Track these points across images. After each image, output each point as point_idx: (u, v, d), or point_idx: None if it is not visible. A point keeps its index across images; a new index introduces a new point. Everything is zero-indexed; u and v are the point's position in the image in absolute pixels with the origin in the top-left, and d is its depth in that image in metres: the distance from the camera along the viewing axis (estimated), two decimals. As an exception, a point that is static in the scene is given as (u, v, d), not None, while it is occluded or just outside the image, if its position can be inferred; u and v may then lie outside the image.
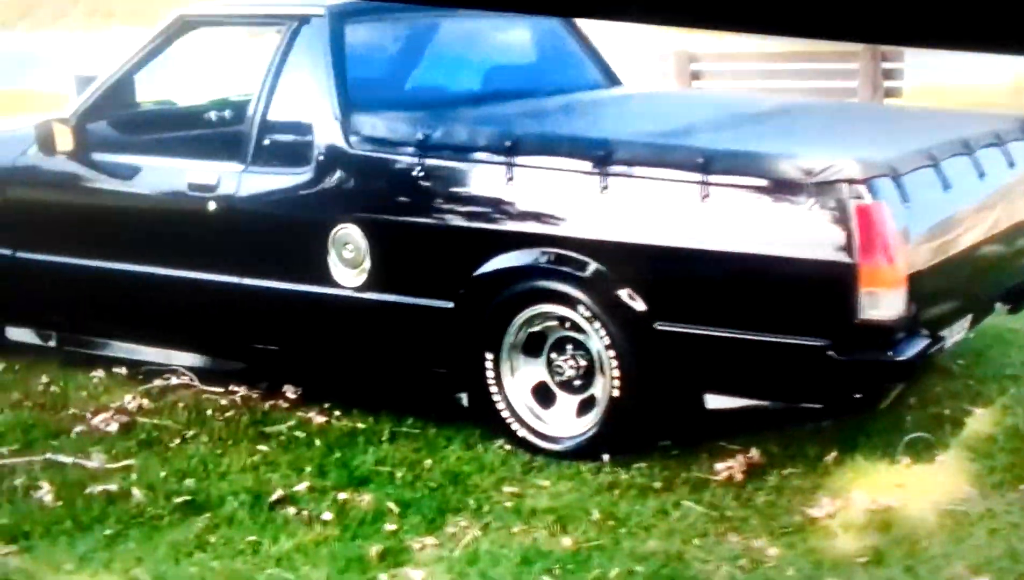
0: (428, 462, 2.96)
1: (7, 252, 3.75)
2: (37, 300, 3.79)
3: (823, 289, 2.57)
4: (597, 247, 2.79)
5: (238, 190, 3.30)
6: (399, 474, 2.88)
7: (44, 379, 3.65)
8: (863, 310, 2.51)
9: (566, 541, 2.51)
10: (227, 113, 3.84)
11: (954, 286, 2.91)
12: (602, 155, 2.80)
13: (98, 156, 3.60)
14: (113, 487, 2.85)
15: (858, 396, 2.66)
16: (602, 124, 3.30)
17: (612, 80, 4.07)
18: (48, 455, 3.08)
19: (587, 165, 2.82)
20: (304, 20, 3.32)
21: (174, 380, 3.60)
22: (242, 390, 3.50)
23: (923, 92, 8.61)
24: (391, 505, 2.68)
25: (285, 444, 3.15)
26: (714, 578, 2.37)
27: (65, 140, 3.54)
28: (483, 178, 2.99)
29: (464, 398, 3.13)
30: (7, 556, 2.57)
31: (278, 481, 2.89)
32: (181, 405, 3.44)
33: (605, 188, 2.79)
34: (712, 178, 2.65)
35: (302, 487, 2.82)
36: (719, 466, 2.79)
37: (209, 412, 3.37)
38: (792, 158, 2.61)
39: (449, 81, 3.85)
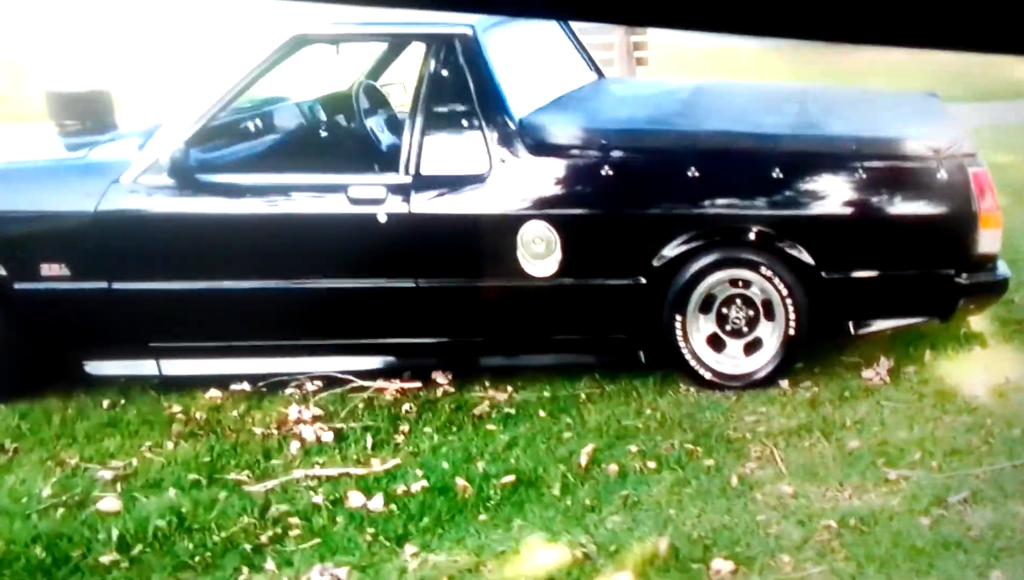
0: (648, 411, 3.55)
1: (102, 285, 3.60)
2: (144, 329, 3.68)
3: (952, 233, 3.54)
4: (776, 220, 3.52)
5: (411, 200, 3.52)
6: (651, 424, 3.45)
7: (177, 408, 3.64)
8: (980, 246, 3.52)
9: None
10: (353, 125, 3.92)
11: None
12: (773, 147, 3.51)
13: (227, 177, 3.58)
14: (417, 486, 3.11)
15: (972, 306, 3.69)
16: (745, 117, 3.92)
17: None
18: (315, 471, 3.21)
19: (763, 155, 3.51)
20: (449, 38, 3.55)
21: (309, 386, 3.77)
22: (397, 383, 3.79)
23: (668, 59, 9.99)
24: (690, 446, 3.27)
25: (504, 420, 3.55)
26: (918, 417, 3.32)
27: (190, 162, 3.50)
28: (671, 171, 3.55)
29: (642, 355, 3.73)
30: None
31: (552, 448, 3.32)
32: (361, 405, 3.65)
33: (778, 173, 3.50)
34: (865, 160, 3.49)
35: (588, 449, 3.28)
36: (866, 373, 3.72)
37: (407, 407, 3.62)
38: (922, 139, 3.52)
39: None
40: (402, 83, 4.71)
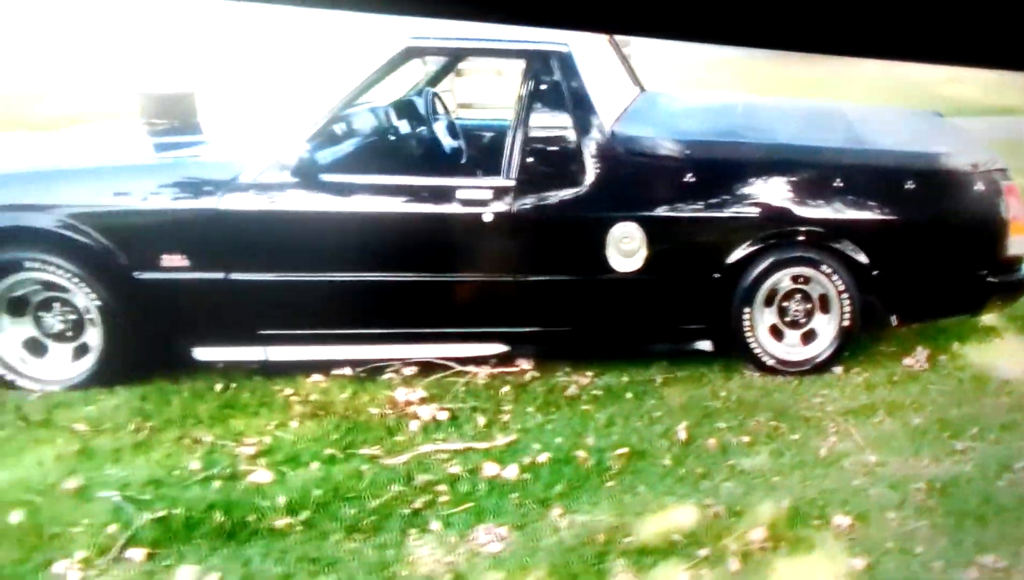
0: (723, 393, 3.96)
1: (219, 276, 3.84)
2: (255, 317, 3.93)
3: (986, 238, 4.04)
4: (837, 224, 3.97)
5: (514, 202, 3.86)
6: (730, 405, 3.86)
7: (289, 390, 3.90)
8: (1009, 249, 4.03)
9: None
10: (456, 133, 4.22)
11: None
12: (836, 159, 3.97)
13: (343, 177, 3.85)
14: (542, 457, 3.45)
15: (999, 303, 4.20)
16: (807, 133, 4.35)
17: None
18: (443, 446, 3.52)
19: (827, 166, 3.96)
20: (547, 54, 3.90)
21: (406, 371, 4.08)
22: (487, 369, 4.12)
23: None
24: (773, 423, 3.68)
25: (594, 401, 3.90)
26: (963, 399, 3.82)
27: (312, 162, 3.77)
28: (746, 178, 3.96)
29: (710, 345, 4.15)
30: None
31: (648, 425, 3.70)
32: (462, 389, 3.97)
33: (839, 182, 3.96)
34: (914, 172, 3.97)
35: (683, 425, 3.67)
36: (907, 361, 4.20)
37: (506, 389, 3.95)
38: (963, 156, 4.01)
39: None
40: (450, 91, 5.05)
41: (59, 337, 3.90)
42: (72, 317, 3.89)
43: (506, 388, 3.98)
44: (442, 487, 3.26)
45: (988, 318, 4.60)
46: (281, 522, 3.04)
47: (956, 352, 4.30)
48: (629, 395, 3.94)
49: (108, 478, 3.27)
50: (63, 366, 3.91)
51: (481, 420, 3.73)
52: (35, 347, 3.90)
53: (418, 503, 3.17)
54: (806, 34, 0.56)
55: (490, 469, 3.38)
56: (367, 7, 0.68)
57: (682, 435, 3.60)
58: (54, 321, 3.88)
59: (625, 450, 3.48)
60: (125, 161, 4.02)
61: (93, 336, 3.89)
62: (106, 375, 3.88)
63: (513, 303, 3.98)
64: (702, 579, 2.79)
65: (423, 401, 3.85)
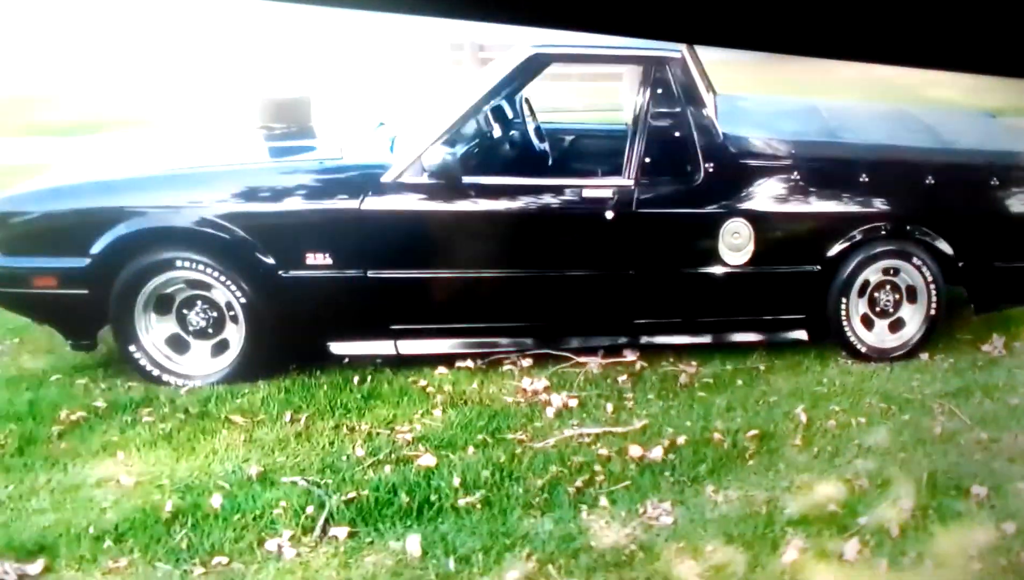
0: (825, 379, 4.25)
1: (359, 273, 4.05)
2: (390, 312, 4.15)
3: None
4: (928, 219, 4.29)
5: (634, 200, 4.12)
6: (835, 390, 4.16)
7: (423, 382, 4.13)
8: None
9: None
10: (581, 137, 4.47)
11: None
12: (927, 159, 4.29)
13: (479, 178, 4.08)
14: (681, 439, 3.71)
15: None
16: (896, 134, 4.66)
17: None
18: (585, 430, 3.76)
19: (919, 165, 4.29)
20: (664, 60, 4.16)
21: (524, 362, 4.33)
22: (596, 359, 4.37)
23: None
24: (883, 405, 3.99)
25: (707, 388, 4.17)
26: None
27: (450, 164, 4.00)
28: (846, 176, 4.26)
29: (804, 334, 4.44)
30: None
31: (767, 409, 3.98)
32: (582, 378, 4.22)
33: (930, 179, 4.27)
34: (995, 169, 4.31)
35: (800, 408, 3.96)
36: (985, 347, 4.54)
37: (623, 378, 4.21)
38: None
39: None
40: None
41: (200, 334, 4.10)
42: (214, 314, 4.09)
43: (623, 377, 4.23)
44: (597, 468, 3.51)
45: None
46: (462, 501, 3.28)
47: (1026, 338, 4.65)
48: (739, 382, 4.22)
49: (282, 465, 3.49)
50: (203, 362, 4.11)
51: (609, 407, 3.99)
52: (178, 344, 4.10)
53: (579, 482, 3.42)
54: (786, 36, 0.57)
55: (635, 451, 3.63)
56: (390, 7, 0.68)
57: (803, 418, 3.88)
58: (197, 318, 4.08)
59: (755, 432, 3.76)
60: (269, 163, 4.22)
61: (233, 333, 4.10)
62: (247, 370, 4.09)
63: (629, 297, 4.24)
64: (869, 544, 3.08)
65: (547, 390, 4.10)
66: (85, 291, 4.01)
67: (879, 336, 4.45)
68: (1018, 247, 4.40)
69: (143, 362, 4.08)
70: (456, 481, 3.38)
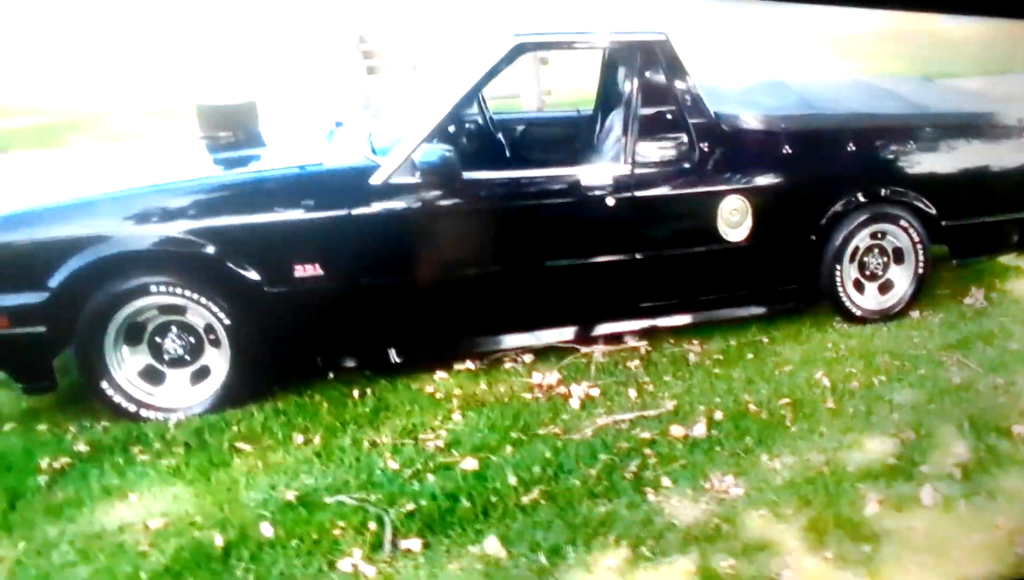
0: (830, 344, 4.27)
1: (352, 282, 3.80)
2: (386, 320, 3.92)
3: (1031, 181, 4.57)
4: (913, 181, 4.39)
5: (633, 185, 4.05)
6: (844, 353, 4.17)
7: (430, 388, 3.95)
8: (1049, 190, 4.57)
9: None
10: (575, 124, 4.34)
11: None
12: (909, 125, 4.40)
13: (475, 174, 3.89)
14: (718, 414, 3.63)
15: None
16: (878, 104, 4.73)
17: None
18: (619, 416, 3.64)
19: (903, 131, 4.38)
20: (651, 44, 4.10)
21: (526, 358, 4.18)
22: (598, 347, 4.26)
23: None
24: (896, 362, 4.03)
25: (719, 364, 4.11)
26: None
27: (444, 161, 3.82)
28: (835, 146, 4.31)
29: (798, 303, 4.46)
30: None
31: (788, 378, 3.95)
32: (592, 368, 4.09)
33: (912, 144, 4.38)
34: (971, 131, 4.45)
35: (820, 373, 3.95)
36: (967, 300, 4.67)
37: (634, 363, 4.11)
38: (1010, 113, 4.52)
39: None
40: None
41: (177, 362, 3.76)
42: (191, 340, 3.76)
43: (634, 362, 4.14)
44: (646, 451, 3.40)
45: (1006, 259, 5.15)
46: (525, 498, 3.10)
47: (1001, 289, 4.80)
48: (750, 355, 4.19)
49: (315, 486, 3.22)
50: (183, 392, 3.76)
51: (632, 393, 3.88)
52: (152, 375, 3.75)
53: (632, 467, 3.30)
54: None
55: (676, 430, 3.54)
56: None
57: (826, 382, 3.87)
58: (172, 346, 3.75)
59: (787, 400, 3.73)
60: (244, 174, 3.93)
61: (215, 357, 3.77)
62: (235, 396, 3.77)
63: (632, 281, 4.15)
64: (939, 491, 3.07)
65: (560, 383, 3.96)
66: (43, 329, 3.63)
67: (873, 298, 4.52)
68: (994, 201, 4.55)
69: (117, 399, 3.69)
70: (512, 480, 3.19)
